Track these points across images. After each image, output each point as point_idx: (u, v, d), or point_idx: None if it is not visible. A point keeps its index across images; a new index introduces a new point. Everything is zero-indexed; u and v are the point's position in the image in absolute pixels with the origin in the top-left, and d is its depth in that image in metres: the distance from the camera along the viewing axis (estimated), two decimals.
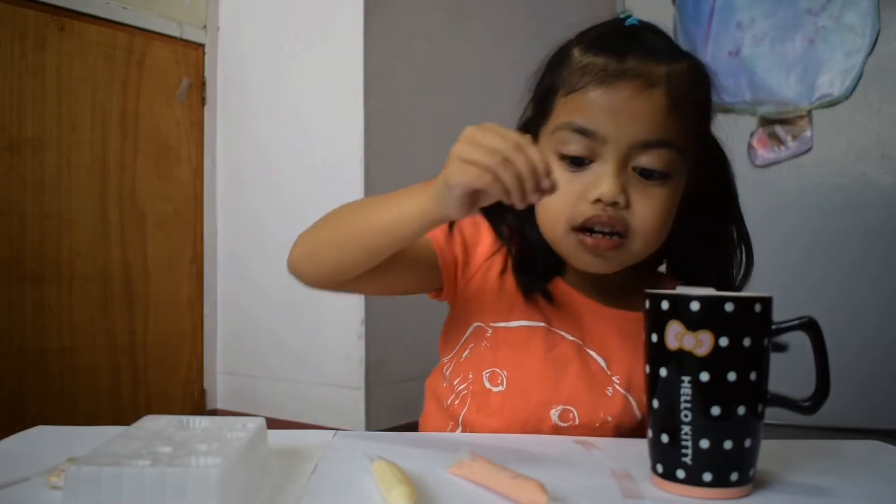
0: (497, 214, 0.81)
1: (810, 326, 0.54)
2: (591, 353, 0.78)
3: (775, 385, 0.54)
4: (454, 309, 0.84)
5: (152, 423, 0.54)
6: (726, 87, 2.60)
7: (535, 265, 0.79)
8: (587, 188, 0.71)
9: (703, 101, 0.76)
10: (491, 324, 0.79)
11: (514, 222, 0.80)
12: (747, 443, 0.52)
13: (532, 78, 0.81)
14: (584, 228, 0.72)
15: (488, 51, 2.29)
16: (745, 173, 2.55)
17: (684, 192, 0.77)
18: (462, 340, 0.82)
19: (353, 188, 1.93)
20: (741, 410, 0.52)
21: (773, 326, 0.53)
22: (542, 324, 0.78)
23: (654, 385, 0.54)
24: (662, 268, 0.88)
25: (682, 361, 0.52)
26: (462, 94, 2.21)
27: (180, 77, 2.15)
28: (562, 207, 0.72)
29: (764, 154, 2.54)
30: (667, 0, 2.71)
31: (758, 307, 0.52)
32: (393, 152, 1.98)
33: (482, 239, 0.82)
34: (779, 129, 2.53)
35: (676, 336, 0.52)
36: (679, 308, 0.53)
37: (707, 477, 0.52)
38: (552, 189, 0.59)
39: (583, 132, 0.71)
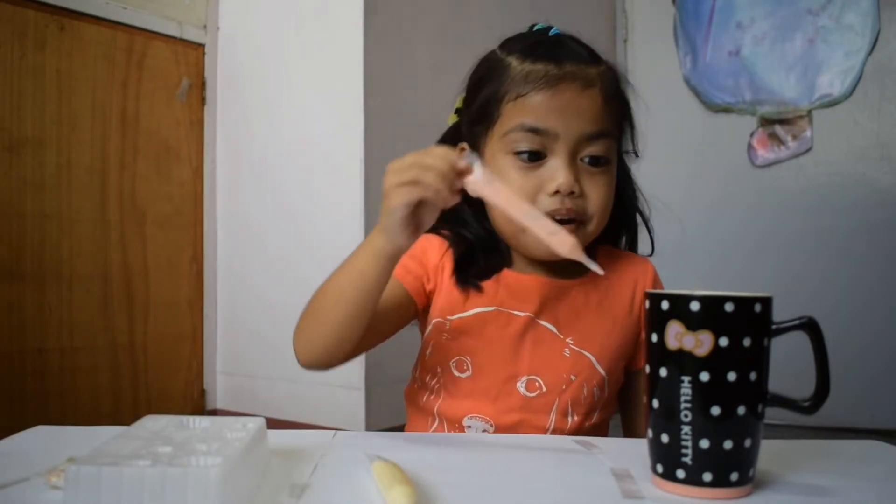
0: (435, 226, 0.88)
1: (810, 326, 0.53)
2: (543, 322, 0.83)
3: (775, 385, 0.54)
4: (421, 319, 0.89)
5: (152, 423, 0.54)
6: (726, 87, 2.60)
7: (474, 263, 0.85)
8: (544, 182, 0.79)
9: (624, 96, 0.85)
10: (448, 317, 0.84)
11: (452, 230, 0.87)
12: (747, 443, 0.52)
13: (465, 89, 0.88)
14: None
15: (488, 50, 2.28)
16: (745, 173, 2.58)
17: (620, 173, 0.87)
18: (423, 339, 0.88)
19: (353, 188, 1.93)
20: (741, 410, 0.52)
21: (774, 326, 0.53)
22: (494, 307, 0.83)
23: (654, 385, 0.54)
24: None
25: (682, 361, 0.52)
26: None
27: (180, 77, 2.15)
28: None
29: (764, 154, 2.54)
30: (667, 0, 2.71)
31: (758, 307, 0.52)
32: (393, 152, 1.97)
33: (430, 253, 0.87)
34: (779, 129, 2.53)
35: (676, 336, 0.52)
36: (679, 308, 0.52)
37: (707, 477, 0.52)
38: (468, 169, 0.66)
39: (535, 131, 0.78)
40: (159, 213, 2.09)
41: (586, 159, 0.79)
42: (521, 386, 0.82)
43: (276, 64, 2.15)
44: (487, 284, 0.85)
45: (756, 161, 2.55)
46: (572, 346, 0.83)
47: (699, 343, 0.52)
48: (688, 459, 0.52)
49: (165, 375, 2.11)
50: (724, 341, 0.51)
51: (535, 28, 0.88)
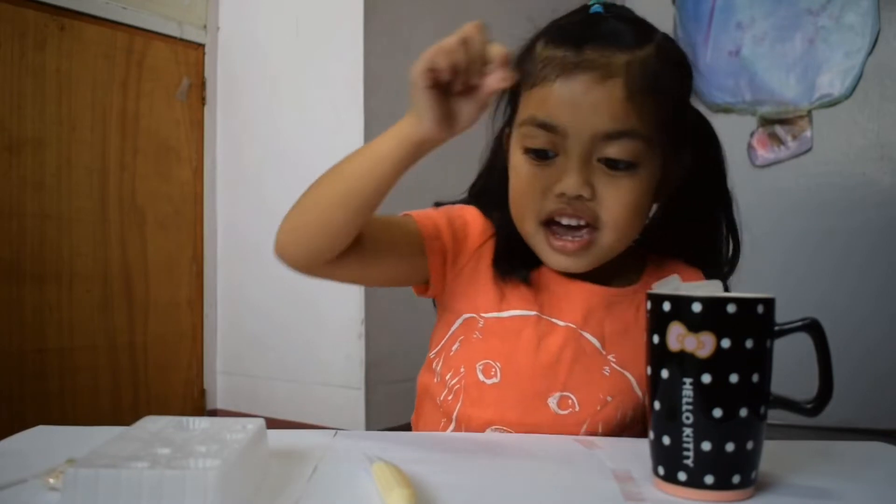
0: (485, 205, 0.82)
1: (813, 327, 0.53)
2: (586, 335, 0.77)
3: (778, 386, 0.54)
4: (442, 301, 0.82)
5: (151, 424, 0.54)
6: (726, 87, 2.60)
7: (515, 253, 0.77)
8: (551, 183, 0.72)
9: (670, 86, 0.74)
10: (482, 314, 0.77)
11: (499, 214, 0.79)
12: (749, 445, 0.52)
13: None
14: (550, 222, 0.72)
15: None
16: (745, 173, 2.58)
17: (676, 176, 0.77)
18: (450, 333, 0.80)
19: None
20: (743, 412, 0.51)
21: (776, 328, 0.53)
22: (535, 312, 0.77)
23: (655, 387, 0.54)
24: None
25: (684, 363, 0.52)
26: None
27: (180, 77, 2.15)
28: (528, 202, 0.73)
29: (764, 154, 2.54)
30: (667, 0, 2.71)
31: (760, 308, 0.52)
32: None
33: (471, 229, 0.80)
34: (779, 129, 2.52)
35: (678, 337, 0.52)
36: (681, 309, 0.52)
37: (709, 479, 0.52)
38: (503, 59, 0.60)
39: (544, 126, 0.71)
40: (159, 213, 2.09)
41: (603, 161, 0.70)
42: (552, 402, 0.76)
43: (276, 64, 2.15)
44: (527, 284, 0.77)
45: (756, 161, 2.55)
46: (613, 365, 0.76)
47: (701, 344, 0.51)
48: (689, 462, 0.52)
49: (165, 375, 2.10)
50: (726, 343, 0.51)
51: (586, 4, 0.77)
